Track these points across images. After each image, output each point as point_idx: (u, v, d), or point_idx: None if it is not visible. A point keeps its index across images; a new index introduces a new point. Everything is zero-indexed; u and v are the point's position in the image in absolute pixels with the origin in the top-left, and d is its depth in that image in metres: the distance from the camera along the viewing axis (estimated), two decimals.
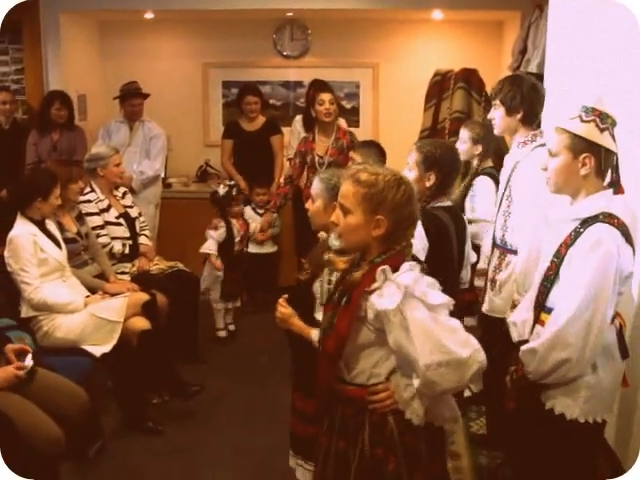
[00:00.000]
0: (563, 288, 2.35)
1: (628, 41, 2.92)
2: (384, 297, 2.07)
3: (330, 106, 5.12)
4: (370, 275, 2.12)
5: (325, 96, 5.14)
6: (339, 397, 2.28)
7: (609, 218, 2.29)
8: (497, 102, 3.29)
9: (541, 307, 2.45)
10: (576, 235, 2.32)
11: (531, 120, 3.29)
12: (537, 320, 2.47)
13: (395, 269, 2.10)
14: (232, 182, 5.49)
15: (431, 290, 2.10)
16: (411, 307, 2.05)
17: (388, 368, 2.21)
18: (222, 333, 5.38)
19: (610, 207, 2.32)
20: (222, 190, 5.27)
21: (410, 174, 3.02)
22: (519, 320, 2.58)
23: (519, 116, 3.24)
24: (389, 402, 2.19)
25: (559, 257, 2.37)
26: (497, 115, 3.31)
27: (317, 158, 5.21)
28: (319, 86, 5.56)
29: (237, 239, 5.35)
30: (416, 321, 2.04)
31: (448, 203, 3.14)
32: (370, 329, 2.15)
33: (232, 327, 5.48)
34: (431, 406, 2.18)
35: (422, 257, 2.80)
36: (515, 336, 2.58)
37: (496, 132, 3.44)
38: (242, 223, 5.45)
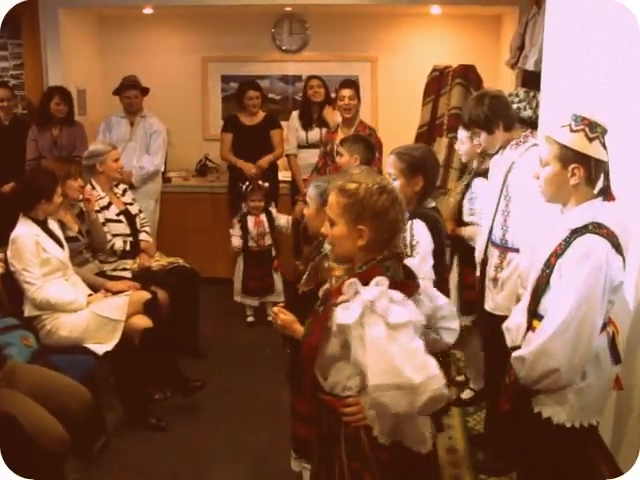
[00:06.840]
0: (553, 298, 2.37)
1: (627, 40, 2.91)
2: (348, 311, 2.02)
3: (350, 102, 5.38)
4: (341, 287, 2.09)
5: (345, 92, 5.40)
6: (324, 406, 2.26)
7: (598, 229, 2.29)
8: (475, 130, 3.45)
9: (533, 314, 2.47)
10: (566, 245, 2.33)
11: (512, 124, 3.39)
12: (529, 327, 2.48)
13: (367, 282, 2.05)
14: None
15: (396, 307, 2.02)
16: (370, 323, 1.99)
17: (357, 383, 2.16)
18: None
19: (599, 217, 2.32)
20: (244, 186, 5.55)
21: (395, 183, 3.00)
22: (513, 325, 2.59)
23: (501, 128, 3.35)
24: (360, 416, 2.14)
25: (549, 266, 2.38)
26: (482, 140, 3.44)
27: (336, 147, 5.29)
28: (342, 83, 5.64)
29: (253, 235, 5.56)
30: (372, 339, 1.98)
31: (433, 204, 3.13)
32: (335, 342, 2.10)
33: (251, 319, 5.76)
34: (398, 425, 2.13)
35: (432, 259, 2.85)
36: (509, 341, 2.59)
37: (491, 152, 3.53)
38: (258, 220, 5.58)
